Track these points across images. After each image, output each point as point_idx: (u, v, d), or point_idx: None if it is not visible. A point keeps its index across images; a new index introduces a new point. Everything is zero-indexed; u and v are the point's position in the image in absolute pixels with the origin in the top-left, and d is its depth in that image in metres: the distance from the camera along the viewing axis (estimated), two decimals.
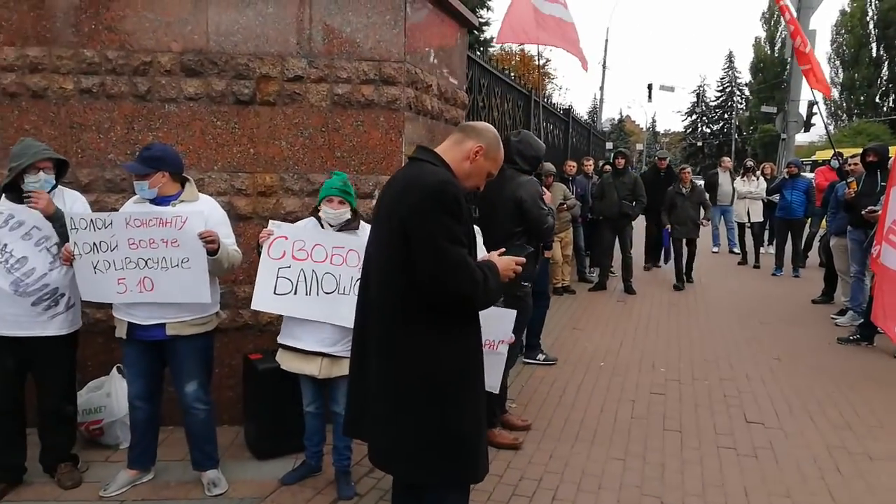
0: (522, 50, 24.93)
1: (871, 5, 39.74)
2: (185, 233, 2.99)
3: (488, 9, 25.44)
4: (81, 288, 3.15)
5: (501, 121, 7.26)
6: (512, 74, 6.68)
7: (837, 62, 42.27)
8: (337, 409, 3.30)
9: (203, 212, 3.09)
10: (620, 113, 79.26)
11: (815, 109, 17.57)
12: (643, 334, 6.63)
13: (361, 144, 4.09)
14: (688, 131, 64.68)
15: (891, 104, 39.53)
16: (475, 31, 9.39)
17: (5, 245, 3.12)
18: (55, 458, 3.43)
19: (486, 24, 24.38)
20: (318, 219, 3.24)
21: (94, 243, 3.01)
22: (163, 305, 3.08)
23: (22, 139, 3.31)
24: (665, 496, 3.42)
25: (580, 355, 5.85)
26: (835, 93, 43.21)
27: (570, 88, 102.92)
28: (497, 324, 3.11)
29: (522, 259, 2.42)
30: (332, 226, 3.21)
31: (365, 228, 3.24)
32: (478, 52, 7.18)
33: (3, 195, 3.19)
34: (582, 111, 69.07)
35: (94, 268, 3.05)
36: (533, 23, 5.58)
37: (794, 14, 6.16)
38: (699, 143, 62.01)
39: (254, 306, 3.23)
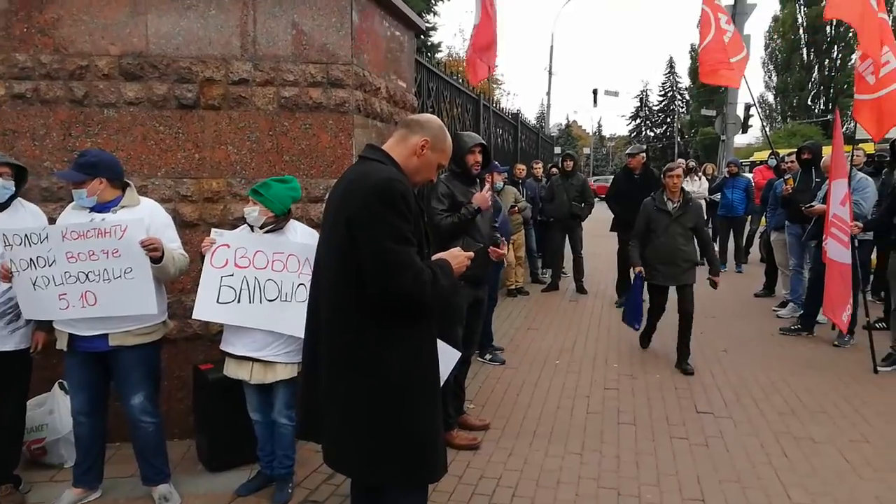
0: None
1: (800, 12, 41.52)
2: (125, 242, 2.89)
3: (435, 13, 25.55)
4: (22, 306, 3.02)
5: (451, 125, 7.29)
6: (460, 79, 6.71)
7: (771, 66, 44.05)
8: (276, 416, 3.25)
9: (143, 219, 2.99)
10: (567, 118, 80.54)
11: (751, 112, 18.30)
12: (595, 332, 6.74)
13: (310, 148, 4.05)
14: (633, 135, 66.27)
15: (822, 106, 41.33)
16: (423, 36, 9.38)
17: None
18: None
19: (434, 28, 24.47)
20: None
21: (31, 259, 2.89)
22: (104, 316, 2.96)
23: None
24: (621, 487, 3.48)
25: (535, 354, 5.90)
26: (769, 96, 45.04)
27: (518, 94, 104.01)
28: (441, 361, 3.04)
29: (471, 253, 2.42)
30: (251, 227, 3.16)
31: (296, 229, 3.20)
32: (426, 57, 7.19)
33: None
34: (530, 116, 69.99)
35: (34, 284, 2.92)
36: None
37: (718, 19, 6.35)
38: (644, 147, 63.62)
39: (195, 315, 3.15)
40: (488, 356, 5.66)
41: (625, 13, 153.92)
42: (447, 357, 3.03)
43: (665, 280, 5.51)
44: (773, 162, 10.04)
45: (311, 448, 3.88)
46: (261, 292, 3.06)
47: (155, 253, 2.93)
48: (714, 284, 5.42)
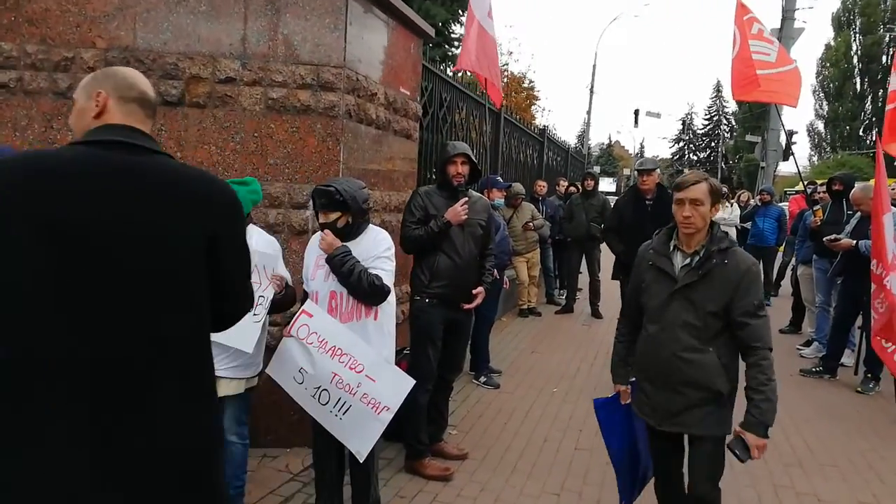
0: (504, 70, 24.85)
1: (855, 40, 40.35)
2: None
3: (461, 24, 25.45)
4: None
5: (466, 137, 7.09)
6: (480, 92, 6.50)
7: (822, 95, 42.80)
8: (226, 435, 3.06)
9: None
10: (609, 138, 79.69)
11: (793, 139, 17.70)
12: (603, 359, 6.42)
13: (296, 152, 3.89)
14: (675, 158, 65.14)
15: (874, 137, 39.96)
16: (445, 46, 9.15)
17: None
18: None
19: (459, 40, 24.35)
20: None
21: None
22: None
23: None
24: None
25: (534, 380, 5.63)
26: (819, 125, 43.75)
27: (552, 110, 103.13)
28: (391, 388, 2.83)
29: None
30: None
31: (251, 235, 3.01)
32: (446, 67, 7.01)
33: None
34: (570, 134, 69.48)
35: None
36: (478, 48, 5.46)
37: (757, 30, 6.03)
38: (686, 170, 62.40)
39: None
40: (483, 379, 5.41)
41: (671, 34, 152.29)
42: (398, 384, 2.83)
43: (654, 417, 2.72)
44: (809, 190, 9.61)
45: (272, 467, 3.72)
46: None
47: None
48: (741, 453, 2.51)
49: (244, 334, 2.80)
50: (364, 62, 4.16)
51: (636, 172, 5.62)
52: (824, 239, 5.83)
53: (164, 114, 3.78)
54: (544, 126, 11.98)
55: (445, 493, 3.55)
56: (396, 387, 2.82)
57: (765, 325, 2.53)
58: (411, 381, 2.84)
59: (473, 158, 3.82)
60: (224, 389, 2.91)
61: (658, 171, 5.64)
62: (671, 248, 2.67)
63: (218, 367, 2.88)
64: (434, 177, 5.49)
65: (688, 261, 2.60)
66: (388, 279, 2.98)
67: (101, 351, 1.45)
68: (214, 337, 2.89)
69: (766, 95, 6.47)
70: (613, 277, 5.76)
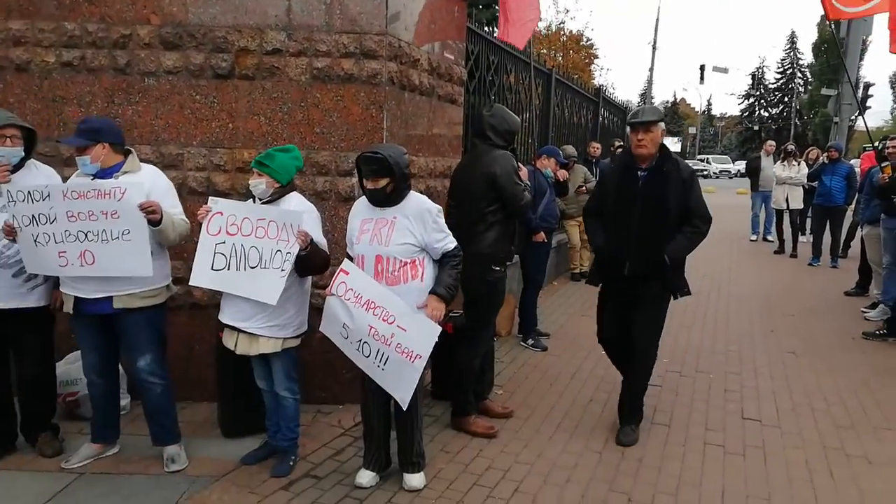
0: (561, 29, 24.21)
1: None
2: (124, 204, 2.95)
3: None
4: (25, 260, 3.13)
5: (514, 99, 7.04)
6: (530, 52, 6.39)
7: None
8: (277, 388, 3.25)
9: (143, 183, 3.04)
10: (674, 95, 76.79)
11: (871, 92, 16.62)
12: None
13: (341, 120, 3.99)
14: (744, 114, 62.30)
15: None
16: (494, 7, 8.97)
17: None
18: (36, 427, 3.48)
19: None
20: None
21: (34, 216, 2.99)
22: (108, 279, 3.05)
23: None
24: (634, 493, 3.25)
25: (582, 343, 5.64)
26: None
27: (612, 69, 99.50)
28: (420, 335, 2.94)
29: None
30: (260, 199, 3.15)
31: (289, 199, 3.16)
32: (492, 30, 6.93)
33: None
34: (632, 94, 67.24)
35: (35, 240, 3.03)
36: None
37: None
38: (756, 128, 59.68)
39: (192, 282, 3.18)
40: (530, 341, 5.48)
41: None
42: (426, 331, 2.93)
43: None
44: (878, 147, 9.12)
45: (325, 422, 3.91)
46: (245, 259, 3.05)
47: (153, 216, 2.98)
48: None
49: (270, 287, 2.97)
50: (406, 28, 4.19)
51: (628, 128, 3.76)
52: (894, 196, 5.56)
53: (215, 87, 3.94)
54: (599, 86, 11.69)
55: (489, 449, 3.66)
56: (425, 334, 2.93)
57: None
58: (437, 329, 2.95)
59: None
60: (262, 347, 3.10)
61: (662, 124, 3.63)
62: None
63: (256, 326, 3.07)
64: None
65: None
66: (453, 240, 3.13)
67: None
68: (240, 292, 3.08)
69: None
70: (588, 282, 4.03)
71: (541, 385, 4.68)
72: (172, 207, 3.15)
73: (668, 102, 69.85)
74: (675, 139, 56.19)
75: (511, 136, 3.88)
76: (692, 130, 61.71)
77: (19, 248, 3.13)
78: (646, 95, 43.18)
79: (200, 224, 3.15)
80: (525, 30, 5.32)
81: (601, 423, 4.06)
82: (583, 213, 4.31)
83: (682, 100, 73.18)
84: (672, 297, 3.75)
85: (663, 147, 3.63)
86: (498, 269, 3.78)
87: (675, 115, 67.90)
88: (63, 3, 3.91)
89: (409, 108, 4.31)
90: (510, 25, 5.26)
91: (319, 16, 3.91)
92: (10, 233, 3.06)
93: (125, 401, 3.79)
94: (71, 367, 3.82)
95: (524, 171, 3.96)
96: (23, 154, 3.22)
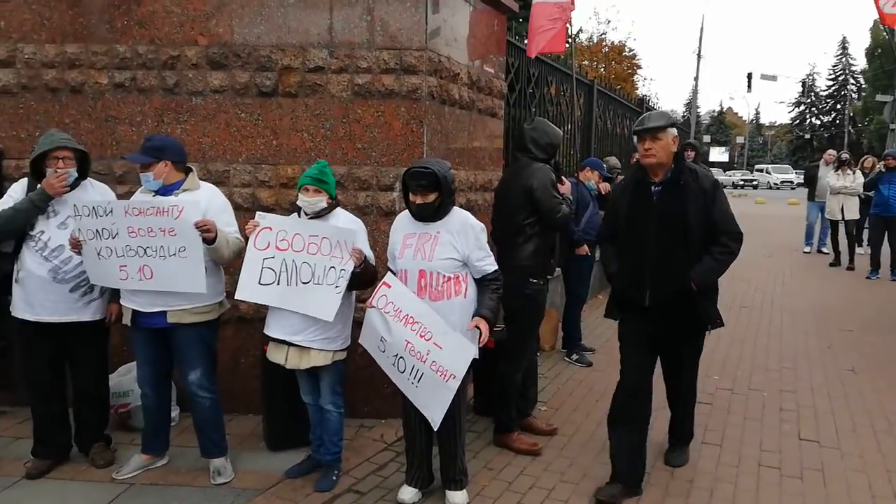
0: (602, 40, 24.06)
1: None
2: (181, 222, 3.02)
3: None
4: (89, 272, 3.25)
5: (556, 111, 6.99)
6: (571, 63, 6.34)
7: None
8: (322, 402, 3.25)
9: (199, 201, 3.11)
10: (721, 104, 75.37)
11: None
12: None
13: (382, 135, 4.01)
14: (794, 123, 60.67)
15: None
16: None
17: (42, 232, 3.26)
18: (89, 438, 3.57)
19: None
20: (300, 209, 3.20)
21: (97, 230, 3.10)
22: (164, 293, 3.12)
23: (48, 131, 3.45)
24: None
25: None
26: None
27: (656, 78, 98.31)
28: (456, 354, 2.90)
29: None
30: (307, 214, 3.16)
31: (336, 215, 3.18)
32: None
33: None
34: (677, 104, 66.28)
35: (98, 254, 3.13)
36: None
37: None
38: (807, 136, 58.05)
39: (238, 296, 3.21)
40: (574, 356, 5.39)
41: None
42: (462, 351, 2.89)
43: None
44: None
45: (368, 437, 3.90)
46: (297, 274, 3.08)
47: (208, 234, 3.04)
48: None
49: (325, 304, 2.99)
50: (446, 43, 4.20)
51: (634, 137, 3.34)
52: None
53: (259, 104, 4.01)
54: (643, 96, 11.54)
55: (533, 467, 3.59)
56: (461, 354, 2.90)
57: None
58: (474, 349, 2.91)
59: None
60: (314, 360, 3.11)
61: (673, 131, 3.18)
62: None
63: (308, 339, 3.09)
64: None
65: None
66: (493, 263, 3.11)
67: None
68: (298, 308, 3.10)
69: None
70: (606, 314, 3.59)
71: (586, 401, 4.58)
72: (228, 226, 3.21)
73: (714, 112, 68.62)
74: (723, 149, 55.07)
75: (553, 149, 3.84)
76: (740, 140, 60.42)
77: (83, 260, 3.24)
78: (691, 105, 42.46)
79: (247, 238, 3.21)
80: (540, 38, 5.35)
81: (649, 442, 3.91)
82: (598, 239, 3.95)
83: (729, 109, 71.86)
84: (705, 331, 3.44)
85: (678, 156, 3.21)
86: (536, 281, 3.73)
87: (722, 124, 66.61)
88: (115, 26, 4.05)
89: (449, 123, 4.32)
90: (531, 41, 5.38)
91: (360, 33, 3.95)
92: (76, 245, 3.18)
93: (175, 412, 3.85)
94: (123, 379, 3.92)
95: (567, 185, 3.92)
96: (76, 175, 3.33)
